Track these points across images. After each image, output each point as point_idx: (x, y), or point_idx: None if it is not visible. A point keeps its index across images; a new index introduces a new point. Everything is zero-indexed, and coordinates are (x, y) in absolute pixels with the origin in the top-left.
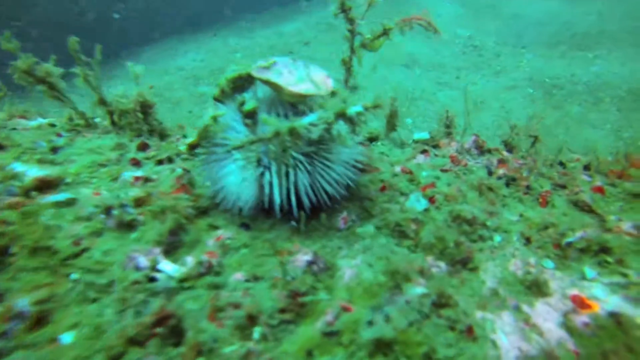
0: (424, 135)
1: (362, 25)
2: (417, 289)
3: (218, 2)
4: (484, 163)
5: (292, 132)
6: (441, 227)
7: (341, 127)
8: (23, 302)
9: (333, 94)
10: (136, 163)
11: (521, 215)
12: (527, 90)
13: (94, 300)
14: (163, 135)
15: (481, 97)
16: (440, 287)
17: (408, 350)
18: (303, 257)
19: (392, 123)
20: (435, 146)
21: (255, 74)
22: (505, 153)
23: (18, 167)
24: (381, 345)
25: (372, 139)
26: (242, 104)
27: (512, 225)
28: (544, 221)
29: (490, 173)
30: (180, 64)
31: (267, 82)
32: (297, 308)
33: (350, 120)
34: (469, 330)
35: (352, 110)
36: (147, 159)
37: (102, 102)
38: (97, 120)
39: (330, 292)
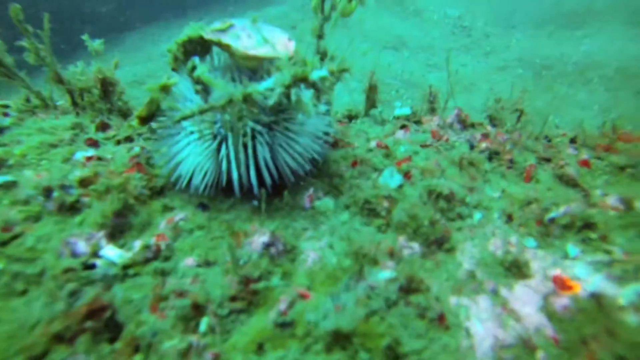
0: (406, 110)
1: None
2: (383, 273)
3: None
4: (467, 138)
5: (247, 97)
6: (415, 204)
7: (305, 95)
8: None
9: (292, 57)
10: (93, 144)
11: (503, 191)
12: (517, 70)
13: (23, 293)
14: (126, 116)
15: (471, 79)
16: (409, 271)
17: (369, 343)
18: (259, 239)
19: (371, 99)
20: (417, 122)
21: (206, 36)
22: (489, 127)
23: None
24: (339, 338)
25: (351, 117)
26: (193, 69)
27: (494, 201)
28: (527, 197)
29: (472, 147)
30: (164, 50)
31: (219, 45)
32: (249, 296)
33: (314, 86)
34: (441, 318)
35: (315, 74)
36: (107, 139)
37: (59, 79)
38: (60, 102)
39: (289, 278)
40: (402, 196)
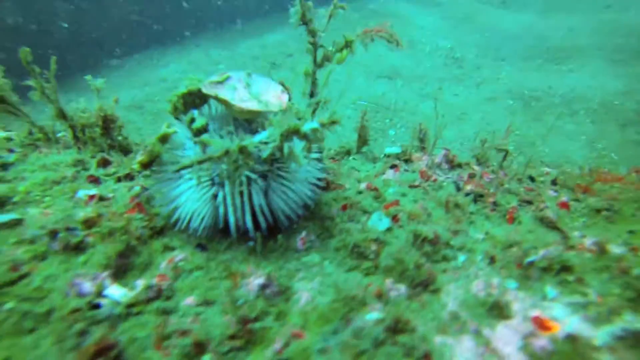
0: (396, 149)
1: (324, 37)
2: (372, 314)
3: (202, 15)
4: (454, 178)
5: (243, 150)
6: (401, 248)
7: (297, 144)
8: None
9: (285, 110)
10: (94, 180)
11: (487, 233)
12: (508, 101)
13: (31, 331)
14: (127, 151)
15: (462, 108)
16: (396, 312)
17: None
18: (255, 281)
19: (363, 137)
20: (407, 160)
21: (204, 89)
22: (476, 167)
23: None
24: None
25: (344, 153)
26: (192, 121)
27: (477, 244)
28: (509, 239)
29: (458, 189)
30: (162, 75)
31: (216, 99)
32: (247, 335)
33: (306, 137)
34: (426, 356)
35: (307, 126)
36: (107, 175)
37: (62, 115)
38: (61, 134)
39: (284, 318)
40: (390, 238)
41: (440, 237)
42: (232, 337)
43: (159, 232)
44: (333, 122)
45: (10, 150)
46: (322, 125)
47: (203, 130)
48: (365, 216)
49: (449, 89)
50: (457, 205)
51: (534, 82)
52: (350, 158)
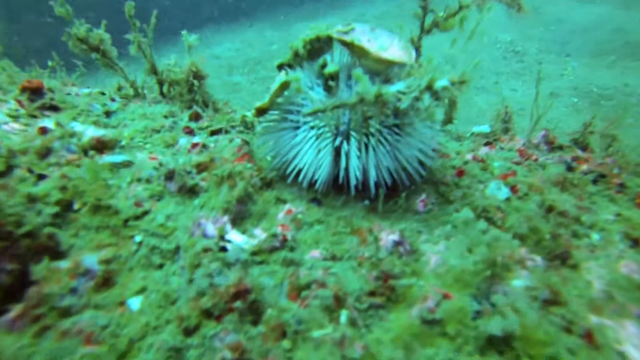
0: (485, 128)
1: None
2: (519, 281)
3: None
4: (558, 159)
5: (379, 98)
6: (533, 216)
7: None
8: (91, 260)
9: (419, 64)
10: (190, 132)
11: (618, 215)
12: (572, 99)
13: (160, 266)
14: (214, 108)
15: (521, 104)
16: (547, 281)
17: (531, 349)
18: (389, 237)
19: (450, 114)
20: (496, 140)
21: (337, 36)
22: (578, 151)
23: (76, 126)
24: (495, 341)
25: None
26: (324, 66)
27: (610, 224)
28: None
29: (570, 168)
30: (216, 52)
31: (351, 46)
32: (387, 292)
33: (436, 95)
34: (589, 335)
35: (438, 83)
36: (201, 129)
37: (154, 70)
38: (145, 91)
39: (419, 278)
40: (511, 209)
41: (569, 211)
42: (372, 293)
43: (268, 184)
44: (463, 81)
45: (112, 100)
46: (453, 83)
47: (335, 76)
48: (480, 185)
49: (506, 83)
50: (573, 184)
51: (606, 80)
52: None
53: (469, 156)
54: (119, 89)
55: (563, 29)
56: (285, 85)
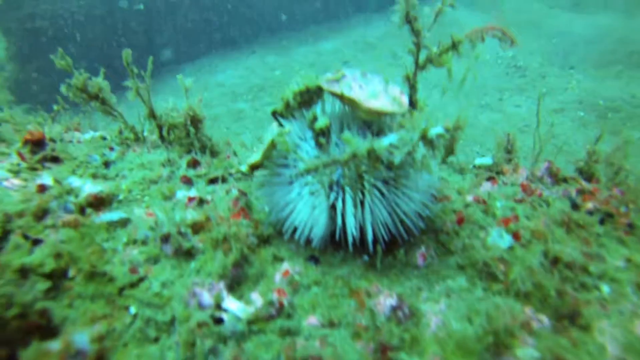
0: (487, 160)
1: (427, 38)
2: (525, 350)
3: (256, 22)
4: (562, 193)
5: (371, 154)
6: (536, 270)
7: (422, 151)
8: (82, 339)
9: (410, 112)
10: (187, 181)
11: (629, 261)
12: (578, 113)
13: (155, 340)
14: (213, 152)
15: (525, 120)
16: (554, 349)
17: None
18: (386, 301)
19: (450, 147)
20: (499, 173)
21: (326, 87)
22: (583, 183)
23: (74, 181)
24: None
25: None
26: (314, 120)
27: (620, 272)
28: None
29: (575, 206)
30: (219, 80)
31: (340, 97)
32: None
33: (430, 143)
34: None
35: (432, 131)
36: (198, 176)
37: (153, 115)
38: (145, 133)
39: (418, 345)
40: (514, 259)
41: (576, 261)
42: None
43: (265, 241)
44: (457, 128)
45: (111, 149)
46: (447, 130)
47: (326, 130)
48: (481, 231)
49: (510, 99)
50: (579, 226)
51: (612, 91)
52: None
53: (470, 197)
54: (120, 132)
55: (565, 42)
56: (279, 139)
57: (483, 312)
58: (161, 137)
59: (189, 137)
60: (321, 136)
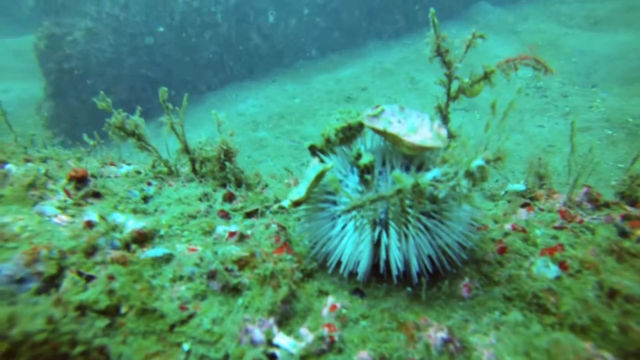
0: (520, 186)
1: (458, 68)
2: None
3: (275, 52)
4: (605, 219)
5: (416, 189)
6: (592, 303)
7: (464, 185)
8: None
9: (459, 146)
10: (225, 215)
11: None
12: (605, 131)
13: None
14: (247, 185)
15: (549, 140)
16: None
17: None
18: (437, 335)
19: (483, 174)
20: (533, 198)
21: (368, 123)
22: (628, 208)
23: (117, 217)
24: None
25: None
26: (358, 157)
27: None
28: None
29: (624, 233)
30: (240, 109)
31: (383, 134)
32: None
33: (472, 176)
34: None
35: (474, 164)
36: (235, 210)
37: (187, 150)
38: (178, 166)
39: None
40: (563, 289)
41: (635, 294)
42: None
43: (308, 275)
44: (498, 159)
45: (149, 183)
46: (488, 162)
47: (371, 166)
48: (526, 261)
49: (531, 119)
50: (631, 254)
51: None
52: None
53: (508, 226)
54: (153, 166)
55: (585, 61)
56: (320, 176)
57: (542, 348)
58: (194, 170)
59: (223, 171)
60: (366, 173)
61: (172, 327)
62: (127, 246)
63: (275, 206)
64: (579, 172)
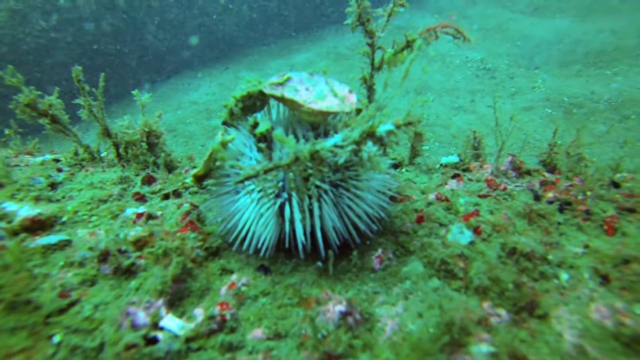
0: (453, 158)
1: (381, 38)
2: (480, 347)
3: (228, 39)
4: (526, 186)
5: (314, 156)
6: (494, 264)
7: (369, 149)
8: None
9: (358, 111)
10: (140, 198)
11: (586, 247)
12: (545, 110)
13: None
14: (171, 167)
15: (499, 120)
16: (509, 344)
17: None
18: (335, 308)
19: (416, 147)
20: (466, 170)
21: (267, 90)
22: (546, 174)
23: (9, 206)
24: None
25: (395, 166)
26: (255, 125)
27: (578, 259)
28: (619, 253)
29: (537, 197)
30: (193, 98)
31: (282, 100)
32: None
33: (380, 141)
34: None
35: (381, 128)
36: (153, 193)
37: (107, 133)
38: (103, 154)
39: (370, 351)
40: (475, 254)
41: (535, 250)
42: None
43: (214, 253)
44: (409, 123)
45: (59, 170)
46: (398, 126)
47: (268, 135)
48: (442, 229)
49: (482, 100)
50: (540, 215)
51: (574, 89)
52: (403, 170)
53: (432, 196)
54: (76, 153)
55: (529, 44)
56: (222, 146)
57: (436, 305)
58: (118, 155)
59: (145, 154)
60: (262, 141)
61: (47, 317)
62: (15, 236)
63: (186, 181)
64: (503, 141)
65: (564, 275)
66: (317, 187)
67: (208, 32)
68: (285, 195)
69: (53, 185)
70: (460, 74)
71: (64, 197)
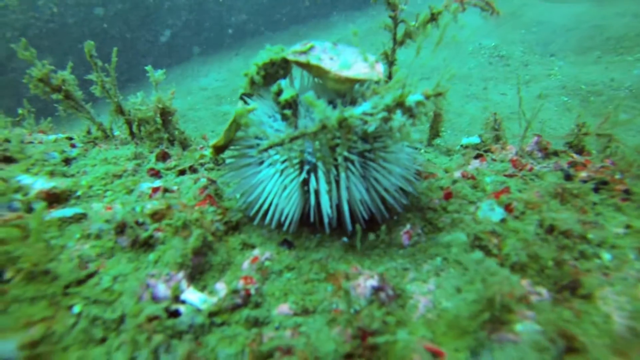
0: (474, 139)
1: (405, 11)
2: (526, 324)
3: (238, 25)
4: (554, 166)
5: (343, 123)
6: (531, 241)
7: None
8: (7, 347)
9: (386, 80)
10: (155, 174)
11: (628, 227)
12: (561, 98)
13: (101, 341)
14: (184, 145)
15: (511, 107)
16: (556, 322)
17: None
18: (367, 282)
19: (435, 128)
20: (487, 151)
21: (292, 57)
22: (575, 155)
23: (24, 179)
24: None
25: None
26: (279, 92)
27: (621, 239)
28: None
29: (568, 177)
30: (203, 84)
31: (307, 67)
32: (367, 352)
33: (410, 112)
34: None
35: (410, 99)
36: (168, 169)
37: (120, 110)
38: (117, 133)
39: (404, 328)
40: (507, 232)
41: (573, 229)
42: (349, 356)
43: (234, 228)
44: (438, 94)
45: (73, 146)
46: (427, 97)
47: (293, 102)
48: (471, 206)
49: (495, 88)
50: (574, 195)
51: (593, 76)
52: (422, 151)
53: (457, 174)
54: (89, 131)
55: (544, 30)
56: (243, 116)
57: (478, 279)
58: (131, 133)
59: (159, 131)
60: (287, 109)
61: (66, 288)
62: (30, 208)
63: (205, 158)
64: (528, 122)
65: (606, 255)
66: (345, 157)
67: (218, 17)
68: (310, 165)
69: (67, 161)
70: (473, 61)
71: (78, 172)
